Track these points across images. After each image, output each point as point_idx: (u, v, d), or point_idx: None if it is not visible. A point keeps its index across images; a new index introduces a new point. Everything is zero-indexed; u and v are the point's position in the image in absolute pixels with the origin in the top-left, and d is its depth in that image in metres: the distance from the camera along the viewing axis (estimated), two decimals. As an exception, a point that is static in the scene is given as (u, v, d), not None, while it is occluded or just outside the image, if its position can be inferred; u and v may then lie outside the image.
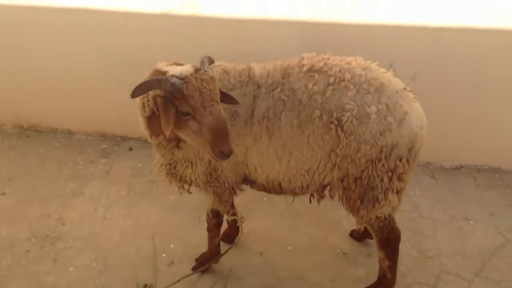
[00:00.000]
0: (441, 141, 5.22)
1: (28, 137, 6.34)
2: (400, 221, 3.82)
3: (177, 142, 3.45)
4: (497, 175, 5.51)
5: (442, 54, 5.02)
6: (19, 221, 4.89)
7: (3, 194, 5.28)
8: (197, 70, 3.11)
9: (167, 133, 3.08)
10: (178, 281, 4.13)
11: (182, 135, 3.24)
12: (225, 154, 3.06)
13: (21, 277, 4.28)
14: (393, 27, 5.01)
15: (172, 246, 4.62)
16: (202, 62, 3.21)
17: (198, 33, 5.29)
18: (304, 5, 5.35)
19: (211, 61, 3.37)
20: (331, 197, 3.73)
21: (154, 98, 3.12)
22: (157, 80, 2.99)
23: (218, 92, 3.11)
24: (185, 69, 3.11)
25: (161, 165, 3.82)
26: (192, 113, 3.03)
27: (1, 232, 4.74)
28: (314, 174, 3.53)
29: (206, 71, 3.14)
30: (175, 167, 3.75)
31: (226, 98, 3.25)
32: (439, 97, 5.08)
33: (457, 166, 5.67)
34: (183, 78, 3.01)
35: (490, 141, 5.48)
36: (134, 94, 2.98)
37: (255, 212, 4.97)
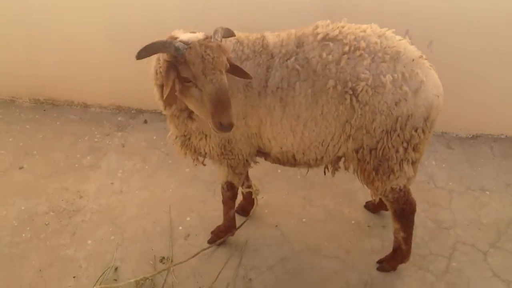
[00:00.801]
0: (457, 110, 5.17)
1: (44, 110, 6.41)
2: (415, 192, 3.79)
3: (190, 113, 3.44)
4: (515, 144, 5.45)
5: (458, 20, 4.92)
6: (37, 195, 4.97)
7: (21, 168, 5.34)
8: (207, 38, 3.08)
9: (165, 96, 3.05)
10: (194, 255, 4.18)
11: (188, 103, 3.23)
12: (224, 126, 2.99)
13: (40, 251, 4.36)
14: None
15: (188, 219, 4.66)
16: (215, 32, 3.15)
17: (210, 4, 5.23)
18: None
19: (228, 32, 3.29)
20: (346, 168, 3.70)
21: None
22: (162, 43, 2.97)
23: (224, 61, 3.03)
24: (195, 36, 3.09)
25: (176, 137, 3.82)
26: (193, 80, 3.00)
27: (20, 206, 4.82)
28: (328, 145, 3.50)
29: (216, 39, 3.09)
30: (189, 139, 3.76)
31: (237, 71, 3.20)
32: (455, 65, 4.99)
33: (473, 135, 5.63)
34: (188, 44, 2.99)
35: (507, 110, 5.41)
36: (139, 56, 2.94)
37: (270, 184, 4.99)
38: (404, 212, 3.76)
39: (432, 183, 4.96)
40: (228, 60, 3.12)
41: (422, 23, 4.91)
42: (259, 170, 4.32)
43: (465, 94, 5.18)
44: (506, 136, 5.57)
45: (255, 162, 4.01)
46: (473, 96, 5.28)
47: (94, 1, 5.53)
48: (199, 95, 3.04)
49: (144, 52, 2.95)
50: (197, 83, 3.00)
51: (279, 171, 5.06)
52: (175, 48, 2.95)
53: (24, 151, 5.59)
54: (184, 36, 3.11)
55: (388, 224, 4.45)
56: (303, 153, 3.60)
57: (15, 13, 5.82)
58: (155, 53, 3.04)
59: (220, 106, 2.98)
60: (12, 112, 6.34)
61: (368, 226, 4.53)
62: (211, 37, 3.10)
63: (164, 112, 3.58)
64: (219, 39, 3.10)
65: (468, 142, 5.55)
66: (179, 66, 3.00)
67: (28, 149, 5.63)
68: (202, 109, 3.10)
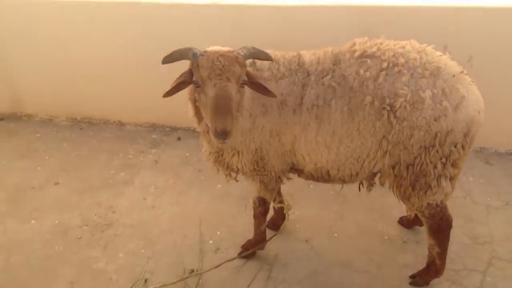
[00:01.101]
0: (495, 126, 5.04)
1: (81, 129, 6.56)
2: (452, 207, 3.71)
3: None
4: (555, 160, 5.27)
5: (498, 35, 4.85)
6: (71, 209, 5.04)
7: (57, 184, 5.45)
8: (229, 51, 3.13)
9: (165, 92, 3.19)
10: (222, 264, 4.16)
11: (202, 111, 3.27)
12: (219, 133, 2.97)
13: (73, 263, 4.40)
14: (446, 9, 4.86)
15: (218, 233, 4.64)
16: (242, 47, 3.18)
17: (243, 21, 5.30)
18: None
19: (261, 54, 3.26)
20: (381, 184, 3.64)
21: None
22: (183, 50, 3.12)
23: (235, 72, 3.05)
24: (220, 48, 3.17)
25: (209, 153, 3.85)
26: (201, 84, 3.08)
27: (54, 220, 4.89)
28: (364, 161, 3.46)
29: (238, 53, 3.12)
30: (222, 155, 3.77)
31: (260, 88, 3.23)
32: (495, 80, 4.90)
33: (512, 151, 5.47)
34: (206, 52, 3.10)
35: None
36: (163, 61, 3.12)
37: (302, 200, 4.94)
38: (440, 227, 3.67)
39: (469, 198, 4.82)
40: (247, 74, 3.17)
41: (461, 38, 4.84)
42: (291, 186, 4.29)
43: (504, 109, 5.06)
44: (546, 151, 5.39)
45: (288, 179, 4.02)
46: (512, 111, 5.15)
47: (130, 21, 5.69)
48: (205, 100, 3.10)
49: (168, 58, 3.11)
50: (203, 87, 3.07)
51: (311, 186, 5.02)
52: (192, 54, 3.09)
53: (60, 168, 5.71)
54: (211, 48, 3.18)
55: (422, 239, 4.32)
56: (338, 169, 3.56)
57: (52, 33, 6.03)
58: (178, 59, 3.14)
59: (218, 111, 3.01)
60: (50, 131, 6.51)
61: (402, 242, 4.42)
62: (232, 51, 3.15)
63: (197, 129, 3.62)
64: (241, 53, 3.13)
65: (507, 157, 5.40)
66: (193, 70, 3.11)
67: (64, 166, 5.75)
68: (206, 114, 3.16)
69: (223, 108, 3.01)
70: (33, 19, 6.00)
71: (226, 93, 3.03)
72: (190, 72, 3.20)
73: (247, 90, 3.36)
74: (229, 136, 3.01)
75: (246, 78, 3.16)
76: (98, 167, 5.71)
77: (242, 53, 3.14)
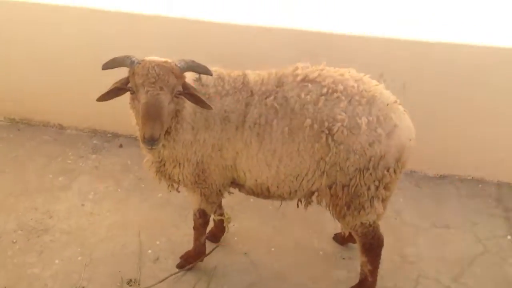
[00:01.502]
0: (426, 150, 5.30)
1: (19, 130, 6.40)
2: (383, 227, 3.90)
3: None
4: (480, 186, 5.60)
5: (430, 67, 5.13)
6: (6, 212, 4.93)
7: (-9, 185, 5.31)
8: (166, 61, 3.24)
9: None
10: (163, 280, 4.19)
11: (135, 116, 3.37)
12: (146, 139, 3.10)
13: (7, 268, 4.31)
14: (385, 40, 5.11)
15: (158, 242, 4.66)
16: (180, 60, 3.30)
17: (190, 36, 5.36)
18: (301, 14, 5.46)
19: (199, 68, 3.35)
20: (318, 203, 3.79)
21: None
22: (122, 57, 3.25)
23: (169, 81, 3.16)
24: (155, 57, 3.30)
25: (151, 162, 3.89)
26: (135, 91, 3.20)
27: (-12, 223, 4.78)
28: (302, 180, 3.60)
29: (176, 65, 3.24)
30: (164, 165, 3.81)
31: (196, 99, 3.34)
32: (426, 107, 5.17)
33: (440, 175, 5.77)
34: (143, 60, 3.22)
35: (474, 152, 5.57)
36: (103, 67, 3.27)
37: (242, 212, 5.03)
38: (372, 246, 3.85)
39: (399, 219, 5.06)
40: (184, 86, 3.29)
41: (396, 67, 5.10)
42: (231, 198, 4.37)
43: (434, 135, 5.33)
44: (473, 177, 5.71)
45: (229, 193, 4.12)
46: (442, 137, 5.43)
47: (73, 27, 5.62)
48: (138, 107, 3.21)
49: (108, 64, 3.27)
50: (137, 94, 3.19)
51: (251, 200, 5.11)
52: (130, 61, 3.22)
53: (-4, 169, 5.56)
54: (149, 57, 3.29)
55: (355, 256, 4.52)
56: (277, 186, 3.68)
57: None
58: (117, 66, 3.28)
59: (148, 118, 3.12)
60: (-15, 130, 6.32)
61: (336, 258, 4.59)
62: (170, 62, 3.27)
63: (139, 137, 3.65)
64: (178, 65, 3.25)
65: (436, 181, 5.69)
66: (130, 78, 3.22)
67: (0, 167, 5.60)
68: (138, 121, 3.27)
69: (152, 115, 3.12)
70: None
71: (157, 101, 3.14)
72: (126, 79, 3.29)
73: (189, 103, 3.46)
74: (157, 143, 3.15)
75: (181, 89, 3.27)
76: (35, 170, 5.60)
77: (179, 65, 3.27)
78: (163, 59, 3.28)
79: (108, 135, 6.34)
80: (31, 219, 4.87)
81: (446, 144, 5.53)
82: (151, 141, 3.11)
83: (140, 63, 3.19)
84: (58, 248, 4.56)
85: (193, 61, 3.33)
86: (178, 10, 5.44)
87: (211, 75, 3.43)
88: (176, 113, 3.44)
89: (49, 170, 5.62)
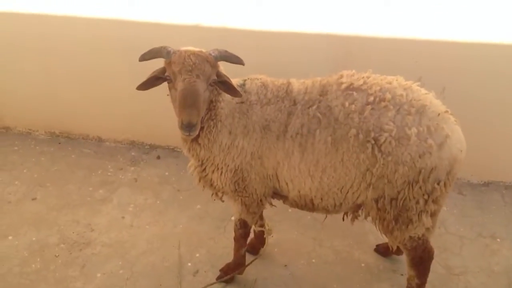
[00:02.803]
0: (469, 157, 5.14)
1: (59, 143, 6.51)
2: (426, 237, 3.80)
3: (196, 137, 3.54)
4: (526, 192, 5.44)
5: (471, 69, 5.01)
6: (49, 226, 5.00)
7: (34, 199, 5.40)
8: (200, 51, 3.31)
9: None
10: (202, 290, 4.17)
11: (172, 105, 3.40)
12: (184, 125, 3.17)
13: (49, 282, 4.36)
14: (422, 42, 5.01)
15: (197, 255, 4.66)
16: (214, 49, 3.37)
17: (227, 44, 5.35)
18: (333, 19, 5.41)
19: (232, 58, 3.43)
20: (365, 217, 3.70)
21: None
22: (158, 48, 3.35)
23: (205, 70, 3.25)
24: (190, 47, 3.37)
25: (194, 167, 3.91)
26: (172, 79, 3.28)
27: (31, 237, 4.85)
28: (347, 192, 3.51)
29: (210, 54, 3.31)
30: (204, 170, 3.81)
31: (228, 88, 3.41)
32: (468, 111, 5.01)
33: (484, 182, 5.63)
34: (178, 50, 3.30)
35: (519, 158, 5.43)
36: (140, 58, 3.40)
37: (280, 223, 4.99)
38: (422, 260, 3.73)
39: (443, 228, 4.93)
40: (218, 73, 3.37)
41: (435, 70, 4.98)
42: (270, 209, 4.33)
43: (477, 140, 5.14)
44: (518, 184, 5.56)
45: (271, 205, 4.07)
46: (485, 142, 5.28)
47: (112, 40, 5.70)
48: (175, 95, 3.28)
49: (145, 56, 3.40)
50: (174, 82, 3.27)
51: (290, 210, 5.05)
52: (166, 51, 3.31)
53: (38, 183, 5.66)
54: (184, 48, 3.36)
55: (398, 268, 4.43)
56: (321, 199, 3.61)
57: (33, 46, 5.99)
58: (154, 57, 3.39)
59: (185, 104, 3.18)
60: (28, 145, 6.45)
61: (378, 270, 4.50)
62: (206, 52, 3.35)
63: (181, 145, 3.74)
64: (212, 54, 3.32)
65: (480, 188, 5.55)
66: (167, 67, 3.31)
67: (42, 181, 5.70)
68: (175, 109, 3.31)
69: (189, 102, 3.18)
70: (13, 32, 5.97)
71: (194, 88, 3.21)
72: (163, 69, 3.38)
73: (226, 105, 3.53)
74: (194, 129, 3.23)
75: (216, 78, 3.35)
76: (76, 183, 5.68)
77: (213, 54, 3.33)
78: (197, 49, 3.33)
79: (146, 146, 6.40)
80: (73, 232, 4.93)
81: (489, 150, 5.38)
82: (188, 127, 3.18)
83: (176, 53, 3.27)
84: (100, 261, 4.59)
85: (226, 51, 3.41)
86: (211, 19, 5.48)
87: (243, 64, 3.44)
88: (210, 107, 3.49)
89: (90, 183, 5.69)
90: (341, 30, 5.19)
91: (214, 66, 3.33)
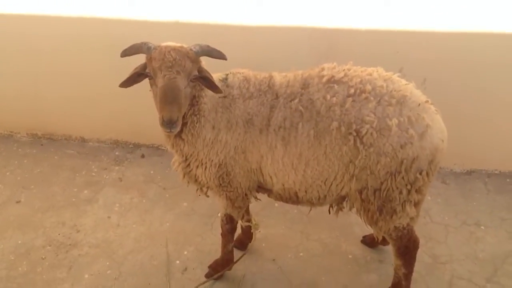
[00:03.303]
0: (451, 146, 5.19)
1: (42, 145, 6.46)
2: (411, 226, 3.83)
3: (179, 132, 3.51)
4: (508, 180, 5.53)
5: (452, 58, 5.06)
6: (34, 229, 4.96)
7: (18, 202, 5.35)
8: (181, 46, 3.29)
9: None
10: (195, 288, 4.17)
11: (154, 102, 3.38)
12: (165, 122, 3.16)
13: (37, 285, 4.33)
14: (402, 33, 5.05)
15: (185, 252, 4.65)
16: (195, 44, 3.34)
17: (209, 40, 5.33)
18: (314, 12, 5.43)
19: (214, 52, 3.39)
20: (350, 209, 3.71)
21: None
22: (139, 44, 3.32)
23: (185, 66, 3.22)
24: (171, 43, 3.34)
25: (178, 163, 3.90)
26: (153, 76, 3.26)
27: (17, 240, 4.80)
28: (331, 184, 3.53)
29: (191, 49, 3.29)
30: (188, 165, 3.80)
31: (208, 83, 3.39)
32: (449, 102, 5.06)
33: (467, 171, 5.70)
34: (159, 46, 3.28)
35: (500, 146, 5.50)
36: (122, 54, 3.35)
37: (267, 218, 5.01)
38: (408, 249, 3.77)
39: (428, 217, 4.99)
40: (199, 69, 3.35)
41: (416, 61, 5.03)
42: (256, 204, 4.34)
43: (459, 129, 5.22)
44: (500, 171, 5.64)
45: (256, 198, 4.07)
46: (467, 132, 5.36)
47: (93, 39, 5.65)
48: (156, 92, 3.26)
49: (126, 51, 3.35)
50: (155, 78, 3.25)
51: (276, 205, 5.09)
52: (147, 47, 3.28)
53: (22, 185, 5.61)
54: (165, 43, 3.33)
55: (385, 258, 4.47)
56: (306, 191, 3.63)
57: (13, 48, 5.94)
58: (134, 53, 3.36)
59: (165, 101, 3.18)
60: (10, 147, 6.39)
61: (365, 261, 4.53)
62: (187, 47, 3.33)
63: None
64: (193, 49, 3.30)
65: (463, 177, 5.61)
66: (147, 64, 3.29)
67: (26, 184, 5.65)
68: (156, 106, 3.30)
69: (170, 98, 3.18)
70: (-7, 32, 5.90)
71: (174, 84, 3.20)
72: (144, 65, 3.36)
73: (209, 100, 3.53)
74: (175, 126, 3.21)
75: (197, 74, 3.34)
76: (60, 185, 5.64)
77: (194, 50, 3.31)
78: (178, 44, 3.31)
79: (130, 146, 6.37)
80: (59, 234, 4.89)
81: (471, 139, 5.46)
82: (169, 124, 3.17)
83: (156, 49, 3.25)
84: (87, 262, 4.57)
85: (208, 45, 3.38)
86: (191, 15, 5.47)
87: (226, 59, 3.42)
88: (193, 103, 3.48)
89: (74, 184, 5.65)
90: (323, 23, 5.20)
91: (195, 62, 3.31)
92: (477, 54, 5.02)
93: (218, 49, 3.40)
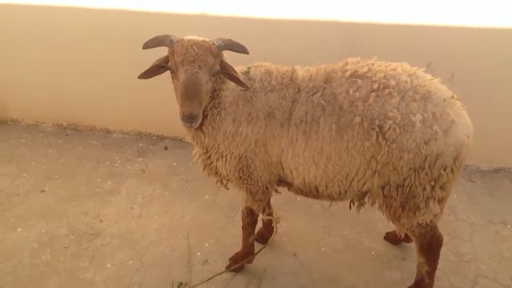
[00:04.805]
0: (478, 143, 5.11)
1: (67, 135, 6.53)
2: (436, 224, 3.77)
3: (200, 124, 3.48)
4: (536, 178, 5.40)
5: (480, 54, 4.97)
6: (58, 218, 5.01)
7: (43, 191, 5.41)
8: (203, 40, 3.27)
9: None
10: (210, 278, 4.13)
11: (175, 95, 3.37)
12: (185, 116, 3.13)
13: (60, 273, 4.37)
14: (430, 27, 4.97)
15: (206, 245, 4.66)
16: (217, 38, 3.31)
17: (234, 33, 5.32)
18: (340, 5, 5.37)
19: (236, 46, 3.37)
20: (371, 204, 3.67)
21: None
22: (161, 36, 3.31)
23: (207, 60, 3.20)
24: (194, 36, 3.32)
25: (199, 155, 3.89)
26: (174, 70, 3.24)
27: (41, 229, 4.86)
28: (352, 180, 3.48)
29: (213, 43, 3.26)
30: (209, 157, 3.80)
31: (233, 78, 3.37)
32: (477, 98, 4.99)
33: (494, 168, 5.60)
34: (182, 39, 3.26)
35: (529, 144, 5.38)
36: (144, 46, 3.33)
37: (289, 212, 4.98)
38: (431, 246, 3.71)
39: (454, 215, 4.91)
40: (222, 64, 3.33)
41: (444, 56, 4.94)
42: (278, 198, 4.32)
43: (487, 127, 5.14)
44: (528, 170, 5.52)
45: (277, 192, 4.04)
46: (494, 129, 5.25)
47: (118, 31, 5.69)
48: (177, 85, 3.25)
49: (148, 44, 3.34)
50: (176, 72, 3.23)
51: (298, 199, 5.06)
52: (170, 40, 3.27)
53: (46, 175, 5.68)
54: (188, 37, 3.31)
55: (408, 256, 4.41)
56: (326, 186, 3.59)
57: (39, 39, 6.01)
58: (157, 45, 3.36)
59: (186, 96, 3.15)
60: (35, 137, 6.48)
61: (388, 258, 4.48)
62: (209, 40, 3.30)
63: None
64: (215, 44, 3.27)
65: (490, 175, 5.51)
66: (170, 57, 3.27)
67: (50, 173, 5.71)
68: (177, 99, 3.29)
69: (191, 93, 3.15)
70: (20, 23, 5.97)
71: (196, 79, 3.17)
72: (166, 57, 3.35)
73: (230, 93, 3.50)
74: (196, 121, 3.19)
75: (219, 69, 3.31)
76: (84, 175, 5.69)
77: (216, 44, 3.28)
78: (201, 38, 3.29)
79: (153, 137, 6.40)
80: (82, 223, 4.94)
81: (499, 136, 5.36)
82: (189, 119, 3.15)
83: (179, 42, 3.23)
84: (110, 252, 4.60)
85: (230, 39, 3.35)
86: (219, 7, 5.46)
87: (248, 53, 3.39)
88: (214, 96, 3.46)
89: (98, 174, 5.71)
90: (348, 16, 5.15)
91: (217, 56, 3.28)
92: (507, 49, 4.91)
93: (240, 43, 3.37)
